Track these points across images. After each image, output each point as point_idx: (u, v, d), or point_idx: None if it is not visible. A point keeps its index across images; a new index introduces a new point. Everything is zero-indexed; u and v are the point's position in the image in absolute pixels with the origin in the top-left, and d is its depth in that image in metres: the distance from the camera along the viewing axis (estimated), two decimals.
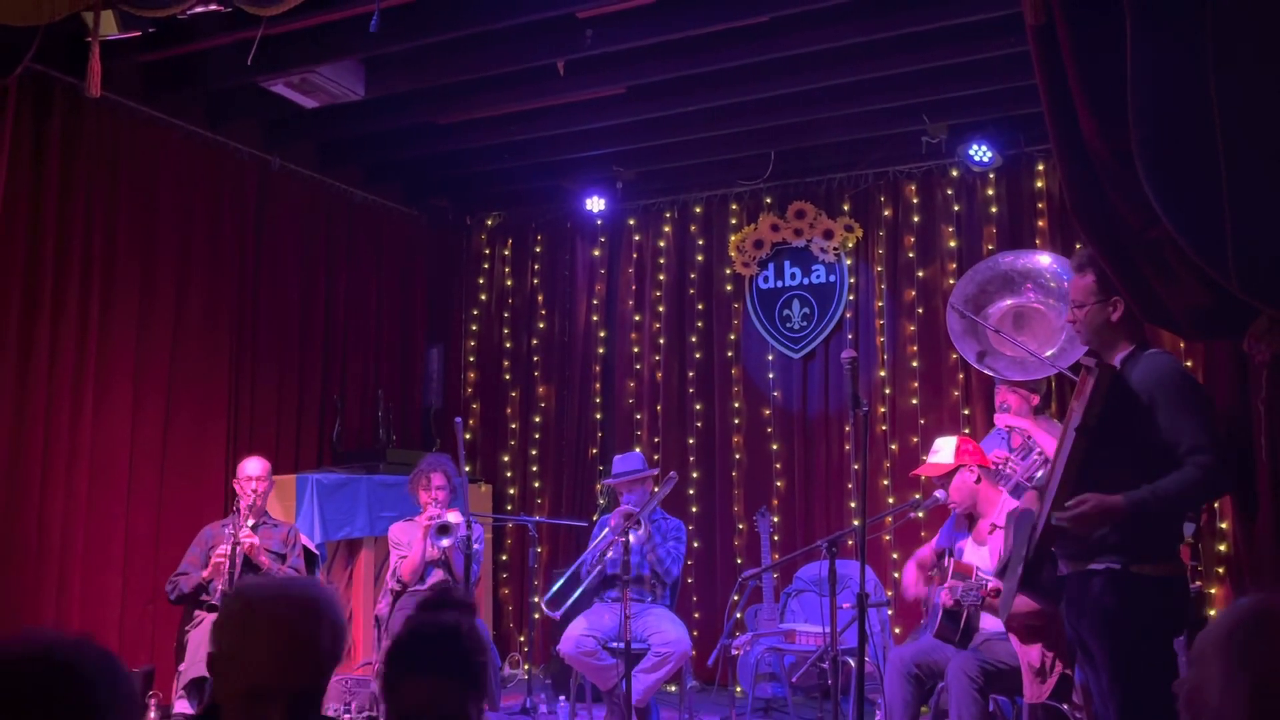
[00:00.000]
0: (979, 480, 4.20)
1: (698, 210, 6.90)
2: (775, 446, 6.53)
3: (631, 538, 4.71)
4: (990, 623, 3.96)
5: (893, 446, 6.19)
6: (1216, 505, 4.85)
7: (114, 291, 5.19)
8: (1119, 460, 2.83)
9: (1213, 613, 4.63)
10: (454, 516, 5.00)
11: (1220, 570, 4.88)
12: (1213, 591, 4.82)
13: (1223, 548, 4.86)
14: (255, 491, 4.92)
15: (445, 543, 4.95)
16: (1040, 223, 5.95)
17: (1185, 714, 1.27)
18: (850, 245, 6.45)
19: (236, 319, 5.85)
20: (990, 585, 3.85)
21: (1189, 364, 5.36)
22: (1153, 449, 2.81)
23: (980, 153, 5.77)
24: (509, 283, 7.39)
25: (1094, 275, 3.01)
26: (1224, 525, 4.85)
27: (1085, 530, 2.81)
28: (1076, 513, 2.77)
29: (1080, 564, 2.91)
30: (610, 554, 4.97)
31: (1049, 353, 4.97)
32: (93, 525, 5.03)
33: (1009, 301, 5.17)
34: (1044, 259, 5.35)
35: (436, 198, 7.34)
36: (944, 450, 4.33)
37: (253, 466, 5.01)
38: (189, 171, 5.61)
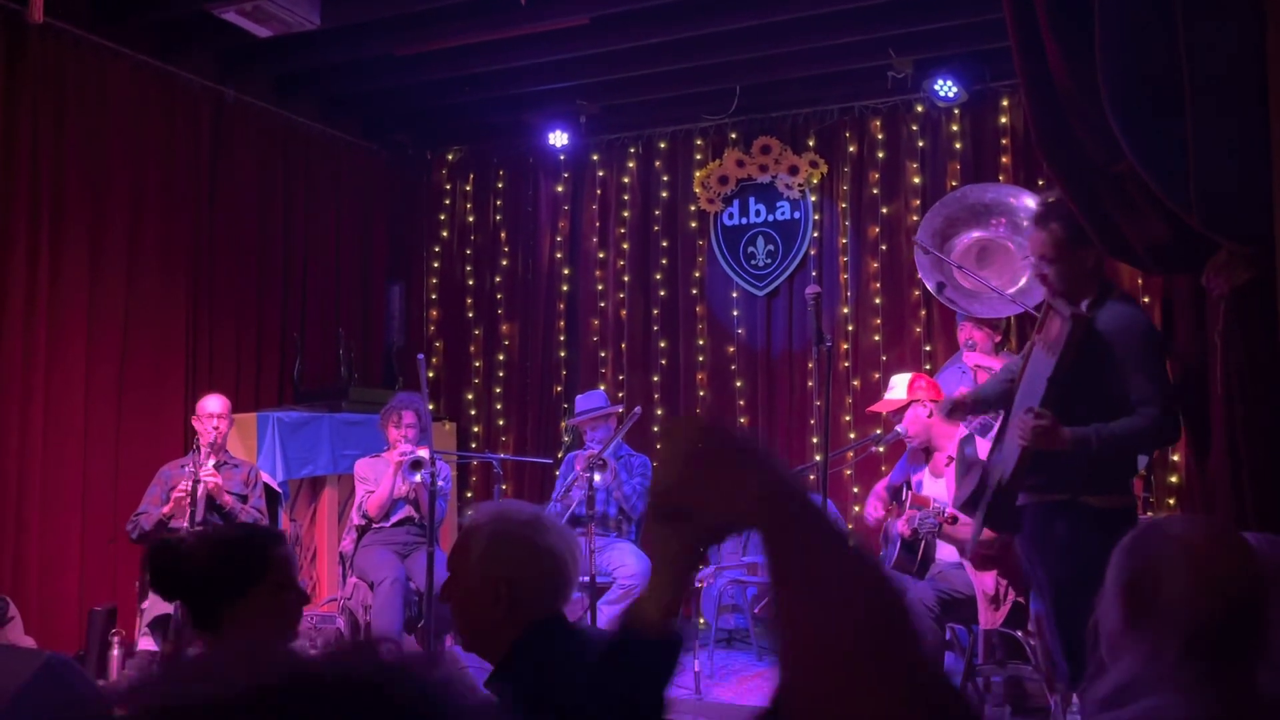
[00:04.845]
0: (931, 414, 4.26)
1: (662, 146, 6.83)
2: (739, 384, 6.56)
3: (597, 477, 4.75)
4: (947, 553, 4.05)
5: (855, 383, 6.23)
6: None
7: (64, 227, 5.05)
8: (1086, 408, 2.89)
9: None
10: (424, 453, 5.00)
11: (1171, 501, 5.00)
12: None
13: (1174, 479, 4.97)
14: (217, 429, 4.90)
15: (417, 478, 4.95)
16: (1004, 159, 5.95)
17: (1090, 634, 1.40)
18: (815, 181, 6.42)
19: (193, 255, 5.74)
20: (948, 511, 3.93)
21: (1146, 300, 5.43)
22: (1115, 399, 2.91)
23: (946, 88, 5.74)
24: (471, 219, 7.30)
25: (1062, 228, 3.00)
26: (1176, 457, 4.95)
27: (1037, 444, 2.88)
28: (1036, 424, 2.87)
29: (1039, 496, 2.98)
30: (574, 492, 5.00)
31: (1012, 290, 5.00)
32: (49, 465, 4.95)
33: (975, 234, 5.17)
34: (1016, 196, 5.33)
35: (396, 132, 7.19)
36: (898, 386, 4.39)
37: (213, 404, 4.97)
38: (140, 103, 5.44)
